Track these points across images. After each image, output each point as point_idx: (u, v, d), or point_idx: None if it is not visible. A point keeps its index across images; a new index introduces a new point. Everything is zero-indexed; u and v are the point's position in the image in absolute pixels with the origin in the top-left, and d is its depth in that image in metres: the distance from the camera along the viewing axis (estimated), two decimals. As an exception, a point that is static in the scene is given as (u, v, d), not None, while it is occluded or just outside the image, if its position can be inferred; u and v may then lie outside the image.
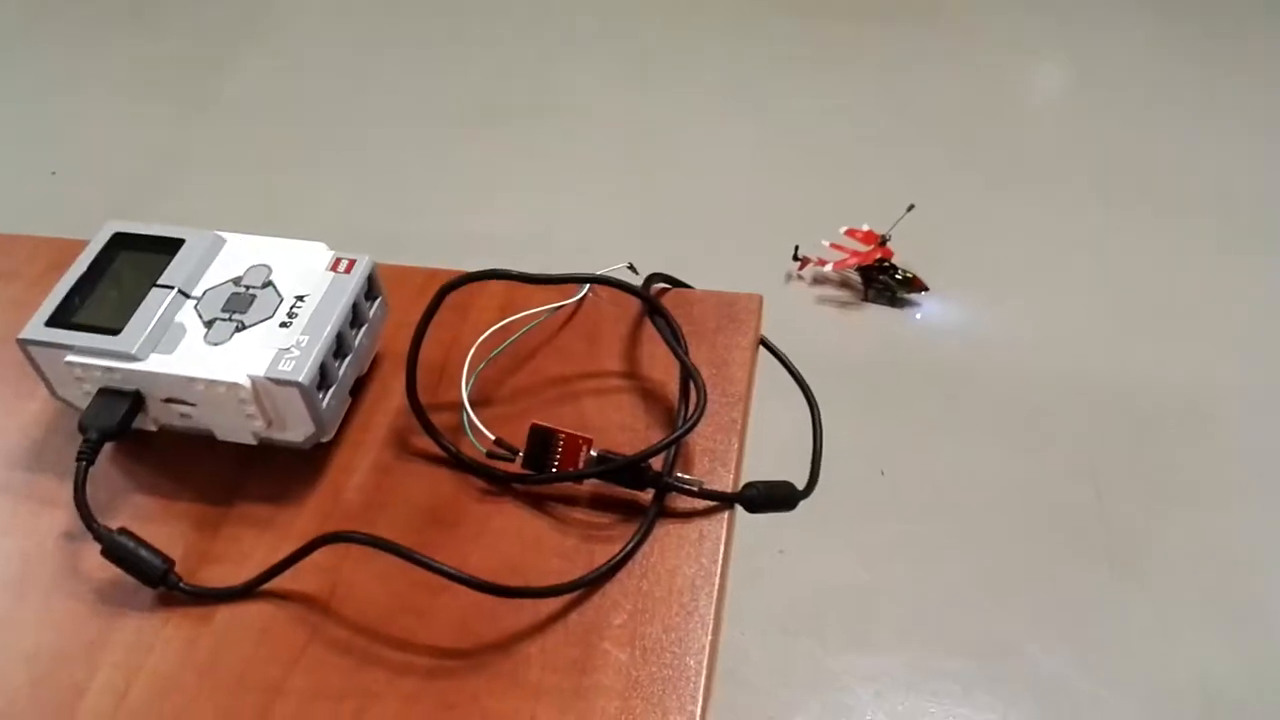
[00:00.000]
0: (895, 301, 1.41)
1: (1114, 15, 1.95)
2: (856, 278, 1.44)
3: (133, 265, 0.44)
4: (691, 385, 0.42)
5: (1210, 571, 1.12)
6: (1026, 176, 1.63)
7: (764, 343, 0.48)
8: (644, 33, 2.01)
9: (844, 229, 1.46)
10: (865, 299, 1.42)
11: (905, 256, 1.42)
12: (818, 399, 0.46)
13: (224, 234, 0.45)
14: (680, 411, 0.43)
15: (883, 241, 1.42)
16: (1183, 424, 1.27)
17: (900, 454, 1.26)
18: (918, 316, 1.42)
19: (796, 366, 0.48)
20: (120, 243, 0.44)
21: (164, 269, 0.43)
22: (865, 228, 1.45)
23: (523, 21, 2.06)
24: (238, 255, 0.44)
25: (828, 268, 1.43)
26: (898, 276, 1.40)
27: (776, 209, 1.59)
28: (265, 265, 0.43)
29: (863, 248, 1.43)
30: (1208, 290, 1.44)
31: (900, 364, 1.37)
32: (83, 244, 0.45)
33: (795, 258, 1.45)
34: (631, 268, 0.51)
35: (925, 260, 1.43)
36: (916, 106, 1.78)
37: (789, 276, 1.47)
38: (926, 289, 1.40)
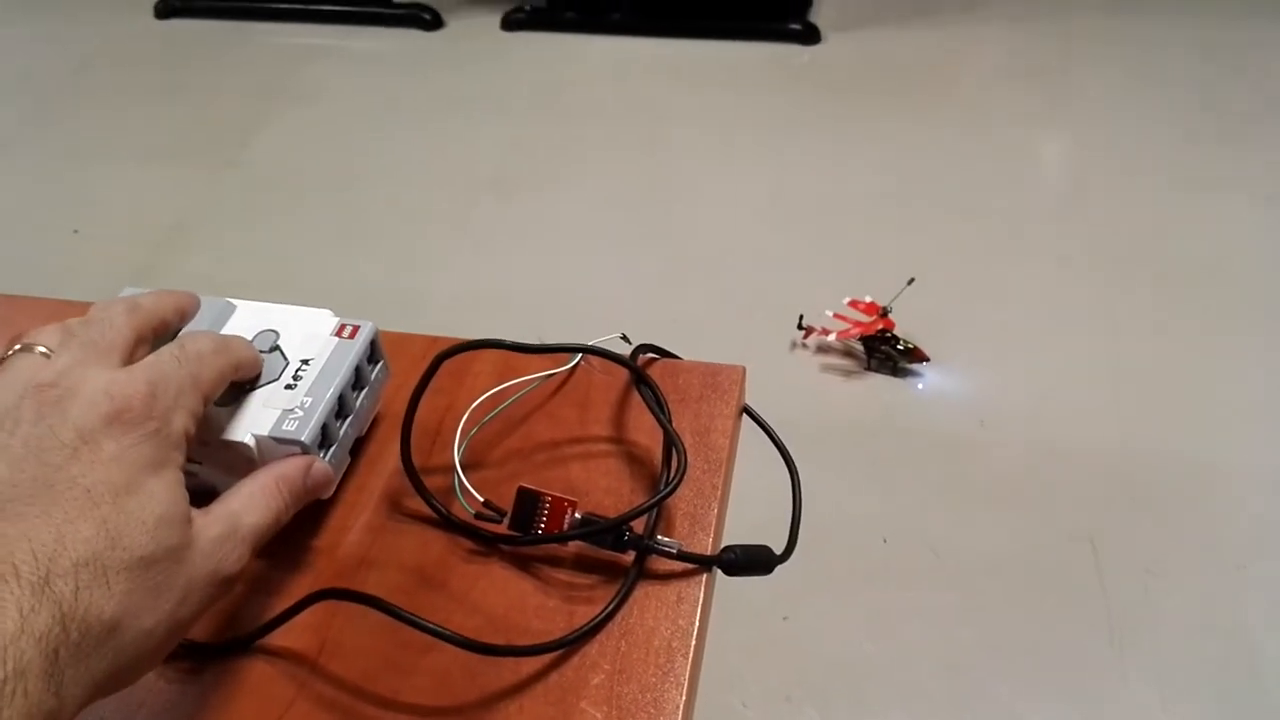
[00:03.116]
0: (897, 371, 1.44)
1: (1114, 92, 2.00)
2: (859, 347, 1.46)
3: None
4: (674, 451, 0.44)
5: (1210, 643, 1.12)
6: (1028, 250, 1.66)
7: (747, 411, 0.50)
8: (653, 102, 2.07)
9: (847, 299, 1.49)
10: (868, 368, 1.45)
11: (907, 327, 1.44)
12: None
13: (234, 300, 0.48)
14: (663, 476, 0.44)
15: (884, 313, 1.45)
16: (1183, 495, 1.27)
17: (903, 522, 1.26)
18: (920, 386, 1.43)
19: (779, 435, 0.50)
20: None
21: (177, 333, 0.45)
22: (868, 299, 1.48)
23: (533, 93, 2.13)
24: (247, 320, 0.46)
25: (831, 337, 1.45)
26: (899, 347, 1.42)
27: (782, 277, 1.63)
28: (273, 330, 0.46)
29: (865, 318, 1.45)
30: (1208, 362, 1.45)
31: (902, 432, 1.38)
32: (86, 305, 0.48)
33: (799, 326, 1.48)
34: (624, 338, 0.53)
35: (928, 330, 1.46)
36: (922, 178, 1.82)
37: (794, 345, 1.50)
38: (927, 359, 1.43)
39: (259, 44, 2.30)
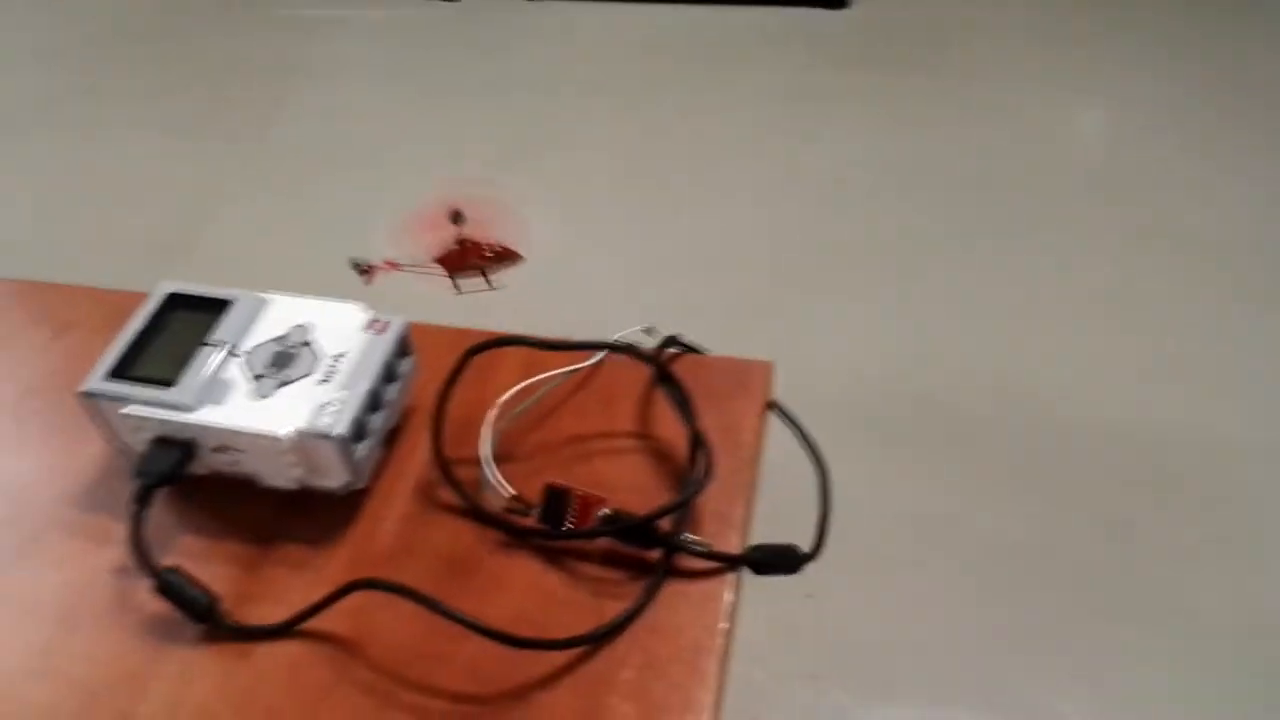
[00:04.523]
0: (490, 281, 1.23)
1: (1147, 60, 1.97)
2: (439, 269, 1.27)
3: (185, 323, 0.47)
4: (700, 449, 0.44)
5: (1238, 627, 1.12)
6: (1051, 225, 1.65)
7: (775, 407, 0.51)
8: (675, 71, 2.06)
9: (406, 220, 1.26)
10: (458, 291, 1.26)
11: (925, 308, 1.43)
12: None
13: (267, 294, 0.49)
14: (690, 473, 0.45)
15: (456, 219, 1.27)
16: (1210, 477, 1.27)
17: (928, 502, 1.27)
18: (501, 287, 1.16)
19: (809, 430, 0.50)
20: (173, 301, 0.48)
21: (213, 327, 0.46)
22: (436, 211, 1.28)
23: (553, 63, 2.12)
24: (280, 315, 0.47)
25: (403, 271, 1.27)
26: (487, 254, 1.26)
27: (805, 257, 1.62)
28: (306, 325, 0.47)
29: (441, 238, 1.26)
30: (1237, 343, 1.44)
31: (927, 406, 1.38)
32: (136, 296, 0.49)
33: (356, 268, 1.28)
34: (648, 331, 0.54)
35: (950, 312, 1.45)
36: (947, 150, 1.80)
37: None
38: (520, 258, 1.20)
39: (278, 16, 2.30)
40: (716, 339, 0.55)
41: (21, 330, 0.57)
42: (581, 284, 1.57)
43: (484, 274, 1.26)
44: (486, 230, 1.26)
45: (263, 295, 0.48)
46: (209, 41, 2.24)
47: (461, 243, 1.27)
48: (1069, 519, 1.23)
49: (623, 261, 1.63)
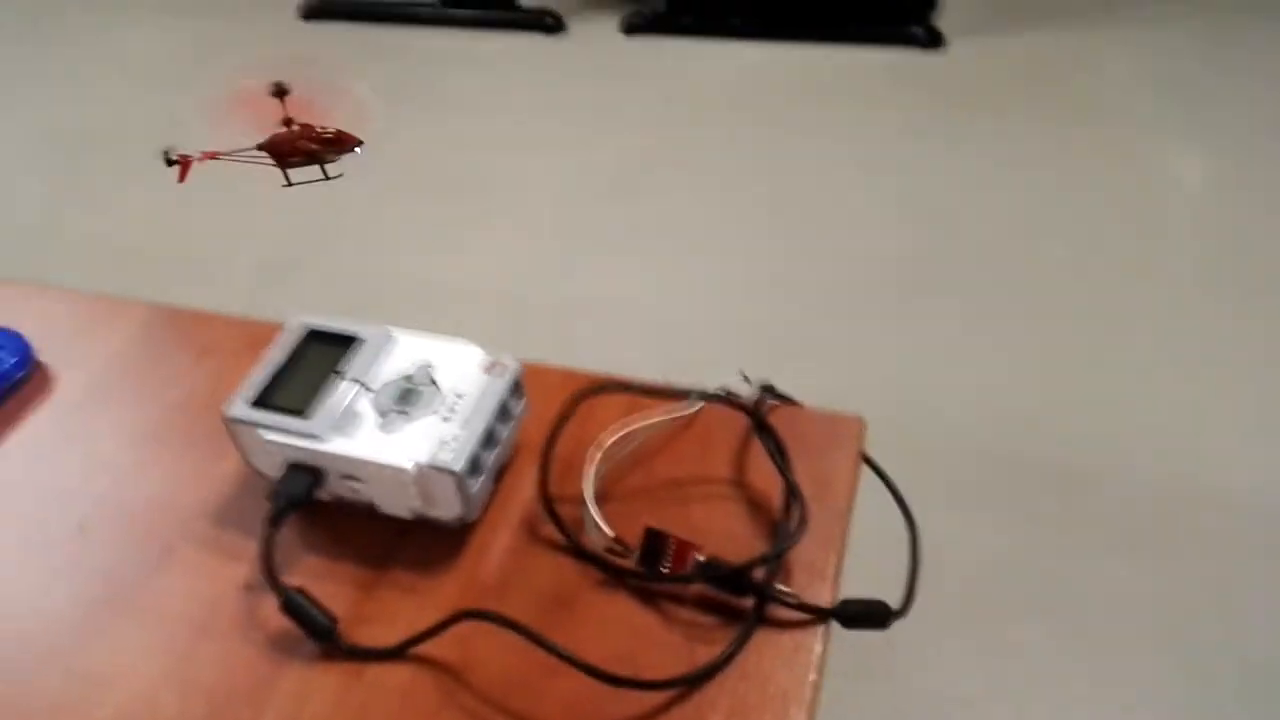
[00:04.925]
0: (326, 171, 1.06)
1: (1256, 105, 1.90)
2: (265, 158, 1.09)
3: (318, 354, 0.51)
4: (794, 501, 0.46)
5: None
6: (1158, 273, 1.60)
7: (867, 461, 0.52)
8: (770, 108, 2.08)
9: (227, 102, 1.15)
10: (288, 184, 1.07)
11: (1023, 357, 1.40)
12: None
13: (393, 330, 0.52)
14: (783, 525, 0.47)
15: (279, 93, 1.05)
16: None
17: (1018, 554, 1.24)
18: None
19: (899, 487, 0.51)
20: (308, 334, 0.52)
21: (344, 359, 0.50)
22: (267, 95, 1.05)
23: (652, 98, 2.16)
24: (406, 352, 0.51)
25: (216, 160, 1.01)
26: (322, 137, 1.06)
27: (907, 303, 1.61)
28: (429, 364, 0.50)
29: (267, 120, 1.03)
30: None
31: (1021, 461, 1.35)
32: (269, 327, 0.53)
33: (168, 161, 1.10)
34: (745, 378, 0.55)
35: (1048, 362, 1.42)
36: (1050, 196, 1.78)
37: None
38: (359, 141, 1.05)
39: (393, 47, 2.41)
40: (811, 379, 0.57)
41: (168, 352, 0.62)
42: (679, 318, 1.60)
43: (320, 162, 1.07)
44: (318, 110, 1.04)
45: (390, 331, 0.52)
46: (321, 71, 2.36)
47: (289, 124, 1.06)
48: (1166, 578, 1.19)
49: (720, 296, 1.65)
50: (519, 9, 2.42)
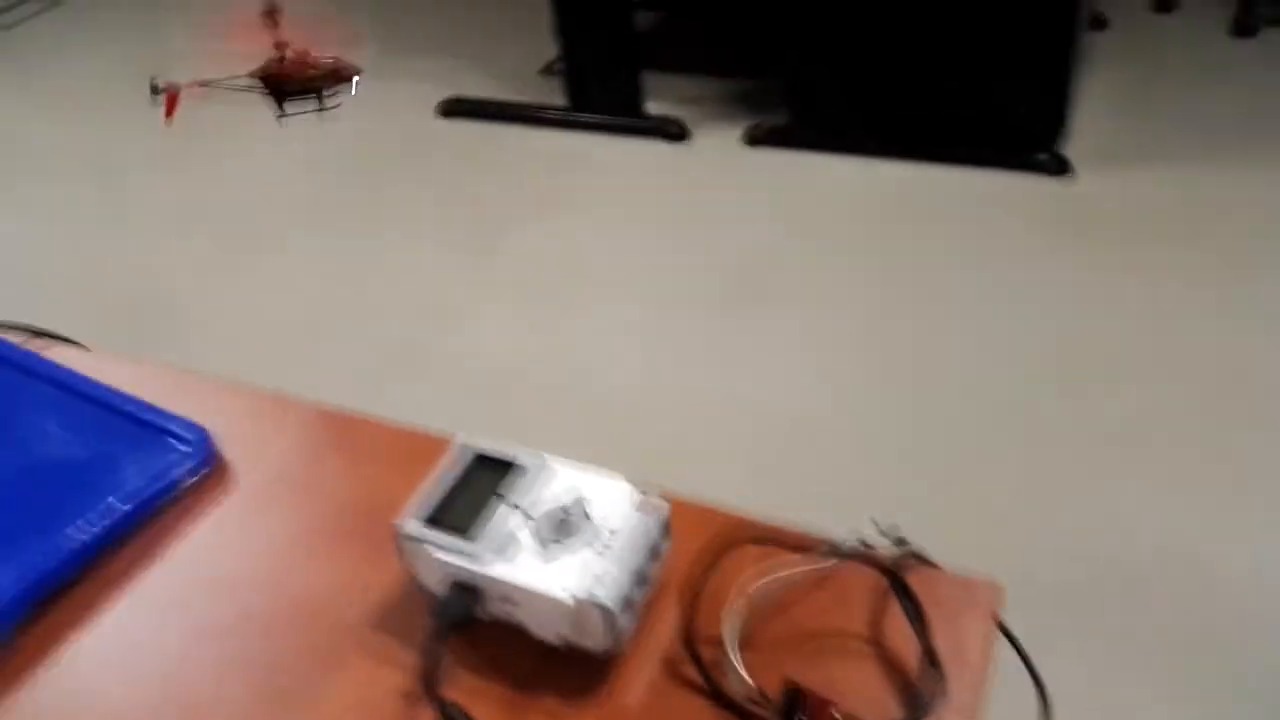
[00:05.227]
0: (324, 104, 0.94)
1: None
2: (257, 87, 0.99)
3: (481, 477, 0.55)
4: (932, 668, 0.47)
5: None
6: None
7: (1001, 629, 0.52)
8: (887, 227, 2.10)
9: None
10: (282, 114, 0.95)
11: (1148, 503, 1.36)
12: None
13: (548, 458, 0.56)
14: (919, 691, 0.47)
15: (270, 10, 0.96)
16: None
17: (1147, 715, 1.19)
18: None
19: (1028, 653, 0.52)
20: (472, 456, 0.56)
21: (505, 483, 0.54)
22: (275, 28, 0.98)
23: (770, 210, 2.22)
24: (562, 482, 0.54)
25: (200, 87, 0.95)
26: (314, 70, 0.94)
27: (1029, 450, 1.57)
28: (583, 496, 0.53)
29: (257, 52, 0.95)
30: None
31: (1151, 608, 1.30)
32: (422, 436, 0.58)
33: (154, 89, 1.00)
34: (880, 529, 0.57)
35: (1172, 510, 1.37)
36: (1178, 345, 1.73)
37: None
38: (358, 72, 0.92)
39: (524, 146, 2.55)
40: (934, 521, 0.58)
41: (331, 456, 0.67)
42: (789, 438, 1.61)
43: (317, 93, 1.01)
44: (313, 39, 0.99)
45: (546, 459, 0.56)
46: (456, 167, 2.52)
47: (282, 50, 1.02)
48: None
49: (831, 420, 1.65)
50: (644, 116, 2.54)
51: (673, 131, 2.51)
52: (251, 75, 1.02)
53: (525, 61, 2.84)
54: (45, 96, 2.97)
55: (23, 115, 2.91)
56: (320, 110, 1.00)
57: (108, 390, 0.68)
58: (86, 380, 0.69)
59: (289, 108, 1.01)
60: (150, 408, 0.66)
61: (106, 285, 2.13)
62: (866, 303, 1.90)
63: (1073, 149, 2.21)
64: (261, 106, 1.03)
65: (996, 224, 2.07)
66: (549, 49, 2.63)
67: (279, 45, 1.01)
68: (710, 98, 2.61)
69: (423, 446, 0.60)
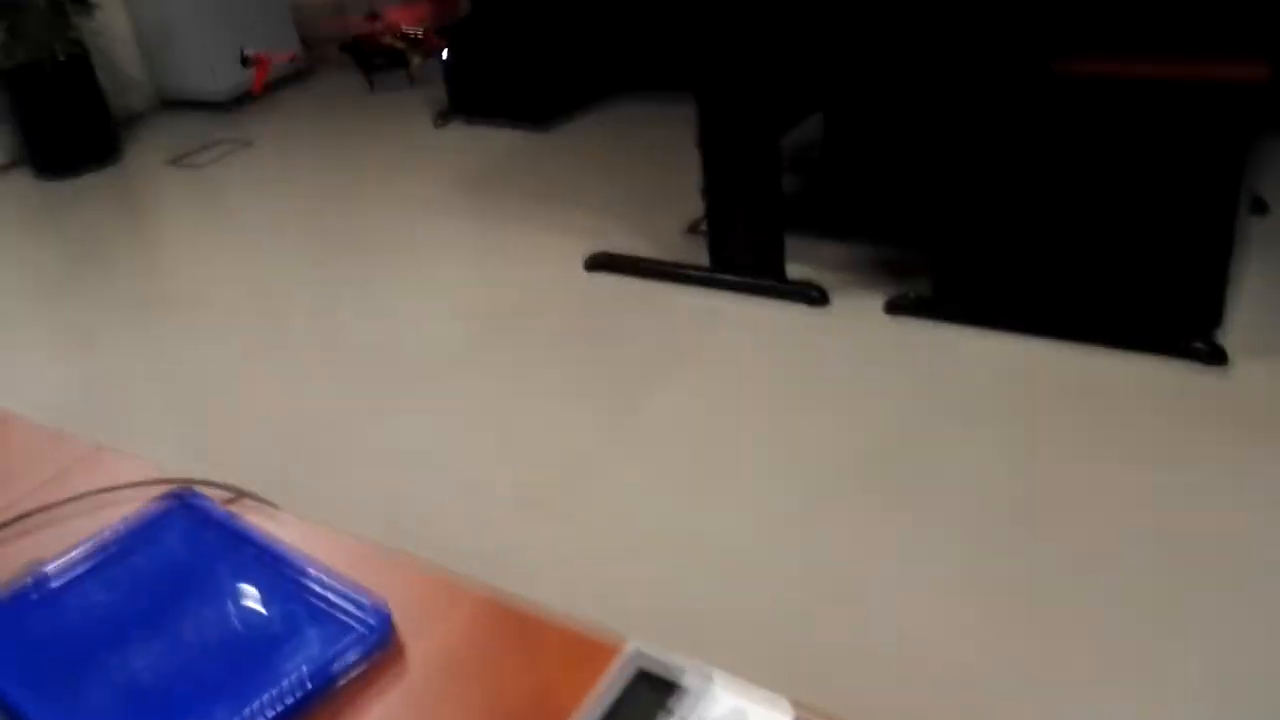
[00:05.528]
0: (413, 74, 0.85)
1: None
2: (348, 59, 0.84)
3: (642, 697, 0.55)
4: None
5: None
6: None
7: None
8: (1026, 408, 2.03)
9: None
10: (371, 89, 0.87)
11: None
12: None
13: (715, 677, 0.56)
14: None
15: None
16: None
17: None
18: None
19: None
20: (635, 670, 0.57)
21: (671, 700, 0.54)
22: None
23: (908, 382, 2.19)
24: (722, 697, 0.54)
25: (285, 60, 0.86)
26: (408, 37, 0.88)
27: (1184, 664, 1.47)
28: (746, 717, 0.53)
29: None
30: None
31: None
32: (594, 642, 0.58)
33: (244, 61, 0.97)
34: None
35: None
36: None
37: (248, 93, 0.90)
38: (444, 45, 0.84)
39: (666, 303, 2.64)
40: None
41: (499, 648, 0.69)
42: (924, 635, 1.54)
43: (406, 64, 0.98)
44: (403, 11, 0.96)
45: (712, 679, 0.56)
46: (599, 321, 2.62)
47: (374, 19, 1.01)
48: None
49: (979, 636, 1.57)
50: (785, 280, 2.60)
51: (813, 296, 2.54)
52: (342, 48, 1.05)
53: (672, 220, 2.97)
54: (229, 234, 3.30)
55: (206, 250, 3.23)
56: (411, 84, 1.03)
57: (300, 560, 0.72)
58: (280, 549, 0.74)
59: (376, 80, 1.04)
60: (337, 583, 0.69)
61: (258, 425, 2.29)
62: (1010, 495, 1.82)
63: (1230, 339, 2.11)
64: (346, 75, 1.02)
65: (1145, 412, 1.98)
66: (695, 209, 2.74)
67: (371, 16, 1.04)
68: (853, 263, 2.65)
69: (594, 652, 0.61)
